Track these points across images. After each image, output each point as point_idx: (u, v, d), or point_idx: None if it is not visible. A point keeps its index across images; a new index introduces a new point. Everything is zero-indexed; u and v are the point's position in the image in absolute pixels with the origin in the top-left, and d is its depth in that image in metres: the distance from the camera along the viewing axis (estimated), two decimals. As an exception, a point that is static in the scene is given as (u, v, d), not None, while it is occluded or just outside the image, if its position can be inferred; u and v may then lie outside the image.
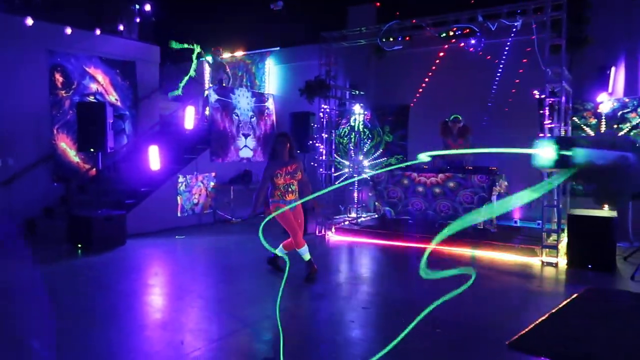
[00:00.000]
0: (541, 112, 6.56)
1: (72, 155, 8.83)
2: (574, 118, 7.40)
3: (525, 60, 7.83)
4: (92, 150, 7.22)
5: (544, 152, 0.86)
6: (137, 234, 7.74)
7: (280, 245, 5.48)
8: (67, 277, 5.60)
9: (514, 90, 8.27)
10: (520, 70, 8.21)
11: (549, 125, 6.31)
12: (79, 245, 6.86)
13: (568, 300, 4.52)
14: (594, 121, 7.45)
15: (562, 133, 6.51)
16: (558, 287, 5.31)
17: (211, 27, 11.70)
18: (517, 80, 8.27)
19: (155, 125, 10.43)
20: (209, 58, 10.35)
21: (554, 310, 4.22)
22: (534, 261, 6.15)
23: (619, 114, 7.30)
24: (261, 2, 11.43)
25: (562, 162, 0.81)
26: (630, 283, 5.23)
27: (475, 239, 6.80)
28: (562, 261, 6.01)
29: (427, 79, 9.19)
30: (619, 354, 3.36)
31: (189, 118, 9.62)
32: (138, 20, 10.31)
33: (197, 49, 10.06)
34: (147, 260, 6.70)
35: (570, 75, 6.90)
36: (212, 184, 9.38)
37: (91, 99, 9.02)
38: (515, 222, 8.20)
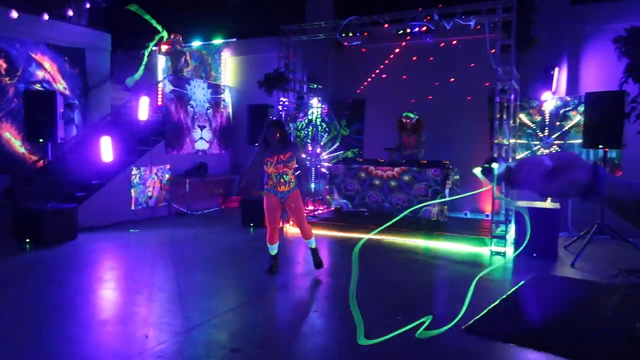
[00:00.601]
0: (492, 108, 6.87)
1: (17, 145, 8.43)
2: (521, 115, 7.79)
3: (472, 64, 8.17)
4: (40, 140, 6.92)
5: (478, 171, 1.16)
6: (89, 227, 7.51)
7: (307, 241, 5.39)
8: (16, 273, 5.38)
9: (467, 96, 8.61)
10: (459, 70, 8.57)
11: (499, 121, 6.65)
12: (27, 240, 6.59)
13: (516, 286, 4.81)
14: (538, 118, 7.88)
15: (511, 129, 6.86)
16: (506, 275, 5.62)
17: (165, 16, 11.41)
18: (473, 76, 8.60)
19: (107, 115, 10.09)
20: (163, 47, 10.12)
21: (504, 297, 4.49)
22: (484, 251, 6.47)
23: (561, 112, 7.75)
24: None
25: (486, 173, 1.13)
26: (571, 270, 5.62)
27: (428, 230, 7.07)
28: (510, 250, 6.37)
29: (383, 75, 9.38)
30: (563, 335, 3.63)
31: (143, 109, 9.38)
32: (88, 5, 9.91)
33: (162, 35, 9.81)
34: (102, 255, 6.52)
35: (518, 74, 7.26)
36: (167, 176, 9.20)
37: (37, 86, 8.63)
38: (466, 213, 8.56)
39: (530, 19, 7.57)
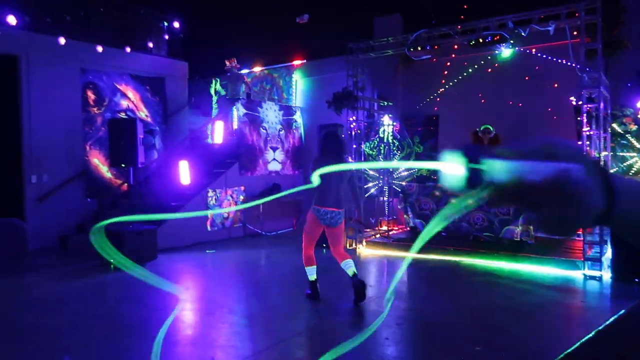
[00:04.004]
0: (579, 119, 6.32)
1: (105, 171, 8.98)
2: (614, 125, 7.11)
3: (565, 61, 7.60)
4: (123, 165, 7.31)
5: (451, 168, 0.56)
6: (168, 248, 7.77)
7: (343, 263, 4.96)
8: (99, 292, 5.63)
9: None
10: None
11: (588, 133, 6.09)
12: (111, 260, 6.90)
13: (616, 316, 4.26)
14: (634, 127, 7.15)
15: (602, 140, 6.26)
16: (603, 302, 5.04)
17: (238, 42, 11.84)
18: (546, 88, 8.06)
19: (185, 140, 10.53)
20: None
21: (601, 328, 3.99)
22: (576, 274, 5.88)
23: (661, 119, 6.99)
24: (287, 16, 11.51)
25: (473, 180, 0.60)
26: (682, 297, 4.93)
27: (512, 252, 6.57)
28: (607, 274, 5.73)
29: (456, 88, 9.03)
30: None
31: (218, 132, 9.69)
32: (166, 37, 10.49)
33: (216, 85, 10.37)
34: (178, 275, 6.69)
35: (607, 80, 6.65)
36: (241, 197, 9.38)
37: (122, 115, 9.18)
38: (553, 233, 7.90)
39: (618, 20, 6.94)
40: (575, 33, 6.23)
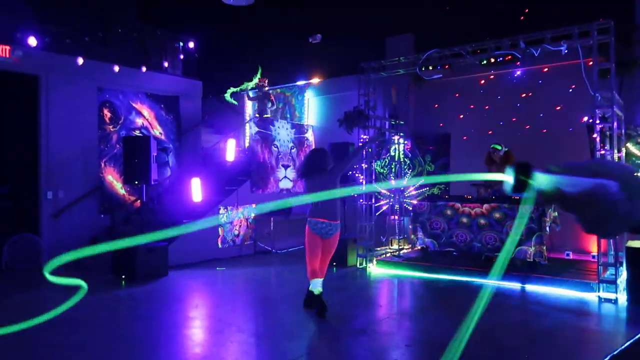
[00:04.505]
0: (592, 138, 6.27)
1: (119, 187, 9.11)
2: (628, 144, 7.04)
3: (573, 86, 7.59)
4: (136, 182, 7.40)
5: (506, 178, 0.89)
6: (179, 265, 7.80)
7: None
8: (110, 307, 5.65)
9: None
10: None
11: (601, 153, 6.03)
12: (123, 276, 6.96)
13: (632, 340, 4.17)
14: (649, 147, 7.06)
15: (616, 160, 6.18)
16: (619, 326, 4.94)
17: (251, 62, 12.00)
18: (558, 107, 8.03)
19: (198, 157, 10.64)
20: (251, 92, 10.57)
21: (616, 352, 3.90)
22: (591, 297, 5.77)
23: (677, 139, 6.90)
24: (300, 36, 11.67)
25: (518, 188, 0.84)
26: (701, 322, 4.81)
27: (525, 272, 6.48)
28: (622, 297, 5.61)
29: (469, 107, 9.03)
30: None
31: (230, 150, 9.78)
32: (181, 56, 10.69)
33: (255, 81, 10.36)
34: (188, 292, 6.71)
35: (621, 99, 6.60)
36: (252, 215, 9.41)
37: (137, 133, 9.33)
38: (568, 254, 7.78)
39: (631, 39, 6.94)
40: (589, 58, 6.21)
